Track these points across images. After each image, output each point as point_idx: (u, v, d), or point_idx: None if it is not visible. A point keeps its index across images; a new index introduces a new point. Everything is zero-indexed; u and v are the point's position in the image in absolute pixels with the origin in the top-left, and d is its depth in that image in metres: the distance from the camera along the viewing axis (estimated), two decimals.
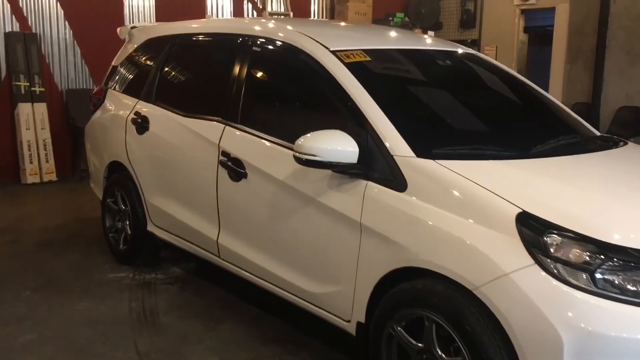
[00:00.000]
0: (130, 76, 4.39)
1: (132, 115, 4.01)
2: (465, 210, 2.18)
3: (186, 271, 4.17)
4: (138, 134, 3.92)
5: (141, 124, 3.91)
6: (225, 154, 3.18)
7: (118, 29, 4.69)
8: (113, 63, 4.68)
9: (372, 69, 2.92)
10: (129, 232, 4.16)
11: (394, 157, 2.42)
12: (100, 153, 4.43)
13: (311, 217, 2.70)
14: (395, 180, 2.39)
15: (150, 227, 3.97)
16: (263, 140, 2.99)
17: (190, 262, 4.18)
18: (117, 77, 4.51)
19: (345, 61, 2.83)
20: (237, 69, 3.29)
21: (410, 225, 2.30)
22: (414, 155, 2.40)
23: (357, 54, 2.89)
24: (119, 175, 4.21)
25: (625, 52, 8.10)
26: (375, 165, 2.47)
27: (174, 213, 3.67)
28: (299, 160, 2.52)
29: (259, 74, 3.31)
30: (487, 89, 3.29)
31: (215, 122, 3.33)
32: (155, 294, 3.82)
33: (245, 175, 3.05)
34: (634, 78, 8.02)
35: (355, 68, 2.78)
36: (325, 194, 2.61)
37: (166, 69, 3.98)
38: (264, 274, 3.04)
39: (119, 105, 4.25)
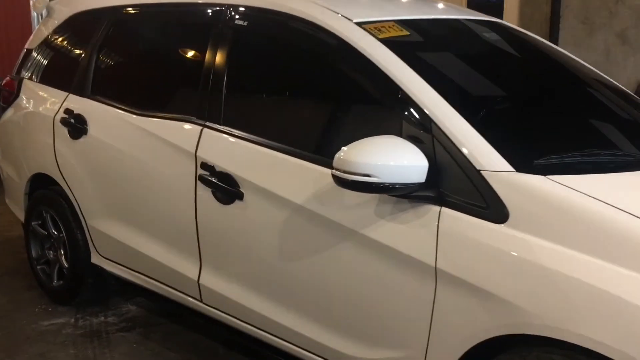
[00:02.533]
0: (53, 63, 3.41)
1: (61, 114, 3.06)
2: (610, 251, 1.50)
3: (145, 309, 3.30)
4: (72, 139, 2.98)
5: (75, 125, 2.97)
6: (206, 166, 2.35)
7: (32, 1, 3.65)
8: (27, 46, 3.66)
9: (418, 48, 2.17)
10: (65, 264, 3.23)
11: (482, 172, 1.70)
12: (19, 163, 3.44)
13: (350, 255, 1.94)
14: (489, 207, 1.67)
15: (95, 259, 3.06)
16: (265, 149, 2.18)
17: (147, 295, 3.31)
18: (34, 63, 3.51)
19: (379, 37, 2.06)
20: (215, 52, 2.44)
21: (522, 273, 1.59)
22: (512, 169, 1.68)
23: (389, 27, 2.13)
24: (47, 192, 3.26)
25: (580, 21, 7.77)
26: (451, 185, 1.74)
27: (130, 242, 2.79)
28: (342, 182, 1.75)
29: (250, 58, 2.47)
30: (567, 75, 2.54)
31: (186, 124, 2.48)
32: (109, 347, 2.93)
33: (239, 196, 2.24)
34: (591, 49, 7.71)
35: (396, 46, 2.02)
36: (373, 225, 1.86)
37: (105, 52, 3.05)
38: (274, 328, 2.26)
39: (41, 101, 3.27)
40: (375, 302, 1.91)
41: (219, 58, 2.43)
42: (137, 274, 2.83)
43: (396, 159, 1.69)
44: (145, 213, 2.68)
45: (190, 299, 2.58)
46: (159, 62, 2.87)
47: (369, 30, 2.08)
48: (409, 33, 2.14)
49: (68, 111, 3.03)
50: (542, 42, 2.60)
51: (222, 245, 2.38)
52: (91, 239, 3.03)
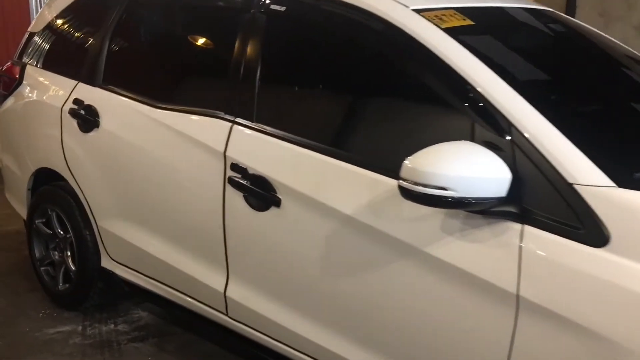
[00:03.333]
0: (60, 48, 3.14)
1: (69, 105, 2.80)
2: None
3: (157, 316, 3.06)
4: (82, 132, 2.73)
5: (86, 117, 2.71)
6: (237, 168, 2.10)
7: None
8: (30, 29, 3.39)
9: (486, 40, 1.92)
10: (72, 267, 2.98)
11: (575, 187, 1.46)
12: (21, 155, 3.18)
13: (409, 275, 1.71)
14: (584, 227, 1.44)
15: (106, 263, 2.82)
16: (309, 152, 1.94)
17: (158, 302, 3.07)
18: (38, 49, 3.24)
19: (442, 26, 1.82)
20: (246, 40, 2.19)
21: (627, 307, 1.36)
22: (612, 184, 1.45)
23: (450, 16, 1.89)
24: (53, 188, 3.00)
25: (598, 13, 7.54)
26: (535, 200, 1.51)
27: (146, 247, 2.55)
28: (410, 194, 1.51)
29: (288, 48, 2.21)
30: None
31: (214, 119, 2.23)
32: (121, 359, 2.71)
33: (276, 203, 2.00)
34: None
35: (462, 38, 1.77)
36: (439, 242, 1.62)
37: (119, 38, 2.78)
38: (311, 349, 2.03)
39: (46, 89, 3.01)
40: (439, 329, 1.68)
41: (252, 47, 2.18)
42: (153, 281, 2.59)
43: (475, 169, 1.46)
44: (165, 216, 2.43)
45: (213, 311, 2.35)
46: (181, 50, 2.60)
47: (430, 19, 1.84)
48: (473, 23, 1.89)
49: (77, 101, 2.77)
50: (608, 38, 2.36)
51: (253, 255, 2.14)
52: (102, 241, 2.79)
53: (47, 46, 3.19)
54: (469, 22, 1.89)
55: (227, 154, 2.14)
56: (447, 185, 1.45)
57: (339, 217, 1.84)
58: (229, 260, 2.22)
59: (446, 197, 1.46)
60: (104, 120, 2.65)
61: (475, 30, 1.88)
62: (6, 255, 3.84)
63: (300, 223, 1.95)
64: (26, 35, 3.40)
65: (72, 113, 2.77)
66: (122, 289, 2.84)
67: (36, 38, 3.27)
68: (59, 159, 2.86)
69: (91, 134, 2.69)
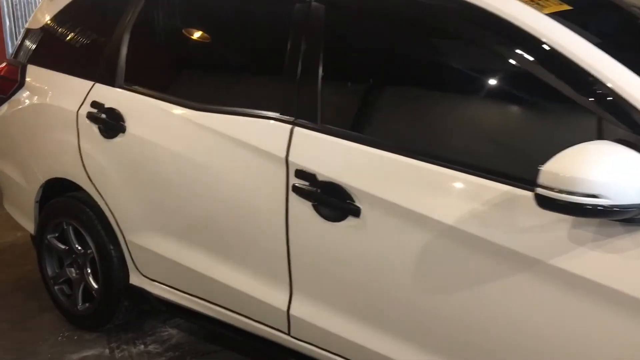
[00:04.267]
0: (68, 45, 2.86)
1: (87, 108, 2.54)
2: None
3: (187, 332, 2.83)
4: (105, 138, 2.47)
5: (108, 121, 2.46)
6: (303, 174, 1.90)
7: None
8: (28, 25, 3.09)
9: (594, 27, 1.75)
10: (94, 285, 2.73)
11: None
12: (26, 165, 2.89)
13: (531, 291, 1.53)
14: None
15: (136, 280, 2.57)
16: (393, 156, 1.74)
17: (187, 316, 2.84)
18: (40, 47, 2.95)
19: (543, 12, 1.64)
20: (305, 32, 1.98)
21: None
22: None
23: (547, 0, 1.72)
24: (69, 200, 2.74)
25: None
26: None
27: (188, 263, 2.32)
28: (552, 203, 1.34)
29: (357, 37, 2.00)
30: None
31: (270, 122, 2.02)
32: None
33: (354, 212, 1.80)
34: None
35: (570, 25, 1.60)
36: (568, 254, 1.46)
37: (143, 31, 2.53)
38: None
39: (56, 92, 2.73)
40: (574, 352, 1.52)
41: (310, 39, 1.96)
42: (194, 298, 2.37)
43: (627, 173, 1.29)
44: (211, 228, 2.21)
45: (272, 330, 2.15)
46: (222, 45, 2.35)
47: (527, 2, 1.66)
48: (571, 7, 1.72)
49: (96, 104, 2.51)
50: None
51: (324, 269, 1.94)
52: (130, 257, 2.54)
53: (51, 44, 2.90)
54: (566, 6, 1.72)
55: (290, 159, 1.93)
56: (598, 192, 1.28)
57: (436, 226, 1.66)
58: (292, 275, 2.02)
59: (597, 206, 1.29)
60: (130, 125, 2.40)
61: (576, 16, 1.71)
62: (6, 272, 3.55)
63: (386, 234, 1.76)
64: (23, 33, 3.11)
65: (91, 117, 2.51)
66: (154, 307, 2.60)
67: (36, 35, 2.98)
68: (77, 168, 2.60)
69: (116, 140, 2.44)
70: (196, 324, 2.47)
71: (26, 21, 6.59)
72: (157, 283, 2.49)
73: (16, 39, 6.65)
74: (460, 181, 1.63)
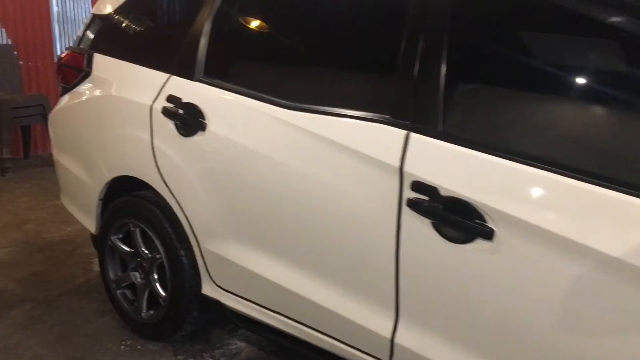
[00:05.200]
0: (140, 34, 2.67)
1: (162, 102, 2.34)
2: None
3: (255, 346, 2.64)
4: (182, 135, 2.27)
5: (186, 118, 2.26)
6: (422, 187, 1.67)
7: None
8: (94, 10, 2.91)
9: None
10: (162, 292, 2.54)
11: None
12: (92, 161, 2.71)
13: None
14: None
15: (209, 290, 2.38)
16: (543, 173, 1.51)
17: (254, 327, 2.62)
18: (108, 34, 2.77)
19: None
20: (422, 15, 1.74)
21: None
22: None
23: None
24: (138, 200, 2.55)
25: None
26: None
27: (272, 276, 2.11)
28: None
29: (490, 27, 1.75)
30: None
31: (380, 125, 1.79)
32: None
33: (485, 234, 1.57)
34: None
35: None
36: None
37: (227, 20, 2.32)
38: None
39: (128, 84, 2.54)
40: None
41: (434, 28, 1.73)
42: (279, 316, 2.16)
43: None
44: (304, 241, 1.99)
45: (369, 357, 1.93)
46: (323, 33, 2.10)
47: None
48: None
49: (173, 99, 2.31)
50: None
51: (440, 295, 1.71)
52: (205, 265, 2.35)
53: (120, 32, 2.72)
54: None
55: (406, 169, 1.71)
56: None
57: (596, 258, 1.42)
58: (400, 299, 1.80)
59: None
60: (212, 122, 2.19)
61: None
62: (58, 269, 3.40)
63: (526, 262, 1.53)
64: (89, 19, 2.92)
65: (167, 113, 2.31)
66: (228, 320, 2.40)
67: (104, 22, 2.79)
68: (148, 166, 2.41)
69: (195, 138, 2.23)
70: (277, 342, 2.26)
71: (75, 25, 6.50)
72: (233, 295, 2.29)
73: (65, 43, 6.55)
74: (634, 207, 1.39)
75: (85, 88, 2.73)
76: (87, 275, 3.33)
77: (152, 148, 2.37)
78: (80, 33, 2.95)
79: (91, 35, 2.84)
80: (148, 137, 2.38)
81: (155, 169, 2.38)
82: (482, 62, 1.74)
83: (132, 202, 2.57)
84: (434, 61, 1.72)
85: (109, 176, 2.61)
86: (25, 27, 6.19)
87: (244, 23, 2.33)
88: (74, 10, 6.61)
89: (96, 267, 3.43)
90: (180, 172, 2.30)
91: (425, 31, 1.74)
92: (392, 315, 1.83)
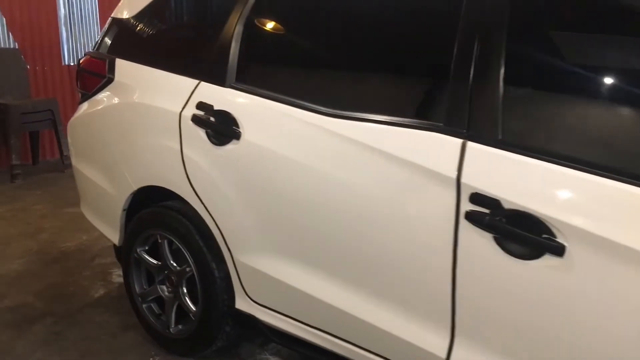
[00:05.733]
0: (165, 38, 2.58)
1: (191, 110, 2.25)
2: None
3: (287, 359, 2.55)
4: (214, 144, 2.18)
5: (219, 126, 2.16)
6: (482, 200, 1.57)
7: None
8: (114, 14, 2.81)
9: None
10: (192, 307, 2.45)
11: None
12: (116, 170, 2.61)
13: None
14: None
15: (243, 305, 2.28)
16: (621, 186, 1.42)
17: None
18: (130, 39, 2.67)
19: None
20: (481, 17, 1.65)
21: None
22: None
23: None
24: (166, 211, 2.45)
25: None
26: None
27: (314, 291, 2.02)
28: None
29: (556, 29, 1.66)
30: None
31: (432, 134, 1.69)
32: None
33: (556, 250, 1.47)
34: None
35: None
36: None
37: (261, 22, 2.23)
38: None
39: (154, 90, 2.44)
40: None
41: (491, 28, 1.63)
42: (321, 333, 2.06)
43: None
44: (349, 255, 1.90)
45: None
46: (365, 35, 1.99)
47: None
48: None
49: (203, 106, 2.22)
50: None
51: (502, 314, 1.62)
52: (239, 279, 2.25)
53: (144, 37, 2.62)
54: None
55: (463, 180, 1.61)
56: None
57: None
58: (457, 317, 1.70)
59: None
60: (247, 131, 2.10)
61: None
62: (76, 280, 3.31)
63: (603, 282, 1.43)
64: (108, 23, 2.83)
65: (198, 120, 2.22)
66: (259, 334, 2.31)
67: (125, 26, 2.70)
68: (178, 176, 2.31)
69: (228, 147, 2.14)
70: (315, 358, 2.16)
71: (83, 28, 6.40)
72: (270, 311, 2.20)
73: (73, 46, 6.46)
74: None
75: (107, 95, 2.63)
76: (107, 287, 3.24)
77: (182, 157, 2.28)
78: (99, 38, 2.85)
79: (111, 40, 2.75)
80: (177, 145, 2.29)
81: (186, 179, 2.29)
82: (545, 64, 1.65)
83: (160, 213, 2.47)
84: (491, 64, 1.62)
85: (135, 186, 2.51)
86: (32, 31, 6.09)
87: (280, 25, 2.23)
88: (81, 12, 6.51)
89: (116, 279, 3.33)
90: (212, 182, 2.20)
91: (481, 32, 1.65)
92: (447, 334, 1.73)
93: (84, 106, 2.79)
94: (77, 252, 3.74)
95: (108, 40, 2.77)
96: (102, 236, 3.86)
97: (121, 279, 3.28)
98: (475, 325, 1.68)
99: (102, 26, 6.19)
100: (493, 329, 1.65)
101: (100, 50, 2.79)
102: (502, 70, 1.61)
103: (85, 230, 4.05)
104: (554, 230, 1.48)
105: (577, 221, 1.44)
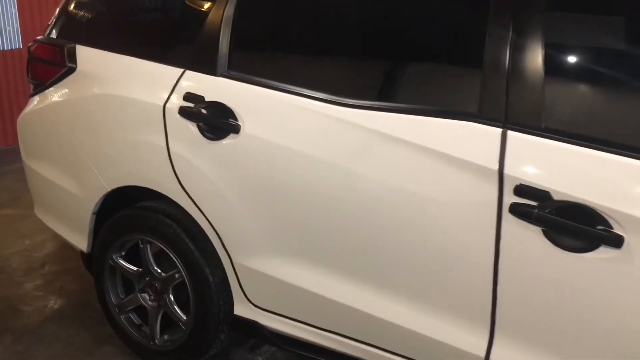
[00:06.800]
0: (140, 20, 2.34)
1: (178, 102, 2.04)
2: None
3: None
4: (208, 139, 1.99)
5: (213, 119, 1.98)
6: (529, 192, 1.50)
7: None
8: None
9: None
10: (183, 316, 2.26)
11: None
12: (83, 170, 2.35)
13: None
14: None
15: (243, 310, 2.12)
16: None
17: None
18: (93, 22, 2.41)
19: None
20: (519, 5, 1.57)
21: None
22: None
23: None
24: (147, 213, 2.23)
25: None
26: None
27: (330, 293, 1.89)
28: None
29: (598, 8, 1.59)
30: None
31: (466, 123, 1.60)
32: None
33: (613, 241, 1.42)
34: None
35: None
36: None
37: (254, 3, 2.04)
38: None
39: (128, 80, 2.20)
40: None
41: (529, 10, 1.55)
42: (338, 337, 1.94)
43: None
44: (375, 254, 1.78)
45: None
46: (384, 13, 1.83)
47: None
48: None
49: (193, 97, 2.02)
50: None
51: (550, 308, 1.55)
52: (239, 283, 2.08)
53: (111, 20, 2.37)
54: None
55: (507, 172, 1.53)
56: None
57: None
58: (497, 314, 1.63)
59: None
60: (247, 123, 1.93)
61: None
62: (27, 291, 3.00)
63: None
64: (63, 4, 2.54)
65: (187, 113, 2.02)
66: (248, 337, 2.16)
67: (86, 8, 2.43)
68: (164, 175, 2.10)
69: (226, 141, 1.96)
70: (271, 343, 2.06)
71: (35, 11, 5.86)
72: (275, 315, 2.05)
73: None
74: None
75: (68, 86, 2.36)
76: (66, 297, 2.96)
77: (169, 154, 2.07)
78: (52, 21, 2.56)
79: (69, 24, 2.47)
80: (162, 141, 2.08)
81: (174, 178, 2.08)
82: (590, 47, 1.58)
83: (140, 216, 2.25)
84: (529, 46, 1.54)
85: (108, 187, 2.27)
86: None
87: (278, 5, 2.05)
88: None
89: (72, 286, 3.05)
90: (207, 180, 2.02)
91: (517, 10, 1.56)
92: (486, 332, 1.66)
93: (38, 99, 2.50)
94: (21, 260, 3.40)
95: (63, 25, 2.49)
96: (47, 240, 3.57)
97: (78, 286, 3.01)
98: (518, 322, 1.61)
99: (19, 6, 5.69)
100: (539, 326, 1.59)
101: (53, 36, 2.50)
102: (541, 56, 1.53)
103: (25, 234, 3.70)
104: (610, 221, 1.42)
105: (636, 211, 1.40)
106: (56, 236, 3.58)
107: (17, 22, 5.71)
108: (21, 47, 5.79)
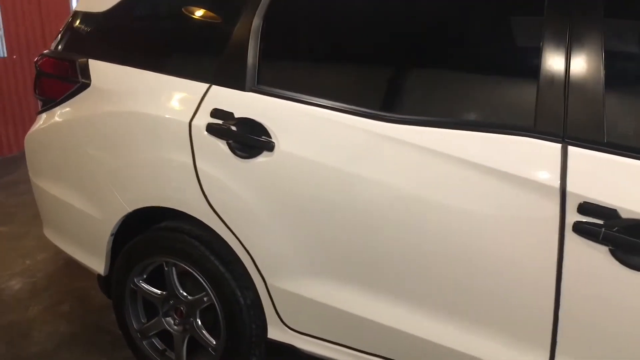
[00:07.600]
0: (159, 33, 2.23)
1: (205, 118, 1.95)
2: None
3: None
4: (240, 157, 1.90)
5: (245, 136, 1.89)
6: (595, 210, 1.45)
7: None
8: (81, 7, 2.42)
9: None
10: (212, 340, 2.17)
11: None
12: (100, 189, 2.24)
13: None
14: None
15: (278, 334, 2.04)
16: None
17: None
18: (107, 35, 2.30)
19: None
20: (572, 8, 1.51)
21: None
22: None
23: None
24: (172, 235, 2.13)
25: None
26: None
27: (378, 318, 1.81)
28: None
29: None
30: None
31: (521, 138, 1.54)
32: None
33: None
34: None
35: None
36: None
37: (287, 11, 1.96)
38: None
39: (149, 96, 2.10)
40: None
41: (586, 20, 1.50)
42: (379, 359, 1.87)
43: None
44: (425, 275, 1.71)
45: None
46: (426, 24, 1.76)
47: None
48: None
49: (221, 114, 1.93)
50: None
51: (617, 330, 1.50)
52: (273, 306, 2.00)
53: (129, 33, 2.26)
54: None
55: (569, 189, 1.47)
56: None
57: None
58: (559, 337, 1.57)
59: None
60: (282, 141, 1.84)
61: None
62: (36, 316, 2.87)
63: None
64: (71, 17, 2.43)
65: (215, 131, 1.93)
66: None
67: (98, 21, 2.32)
68: (191, 195, 2.01)
69: (259, 159, 1.87)
70: None
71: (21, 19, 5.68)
72: (314, 339, 1.97)
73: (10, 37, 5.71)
74: None
75: (83, 103, 2.25)
76: (77, 321, 2.84)
77: (196, 173, 1.98)
78: (60, 35, 2.44)
79: (78, 38, 2.36)
80: (189, 160, 1.98)
81: (202, 198, 1.99)
82: None
83: (165, 237, 2.15)
84: (588, 56, 1.48)
85: (129, 208, 2.17)
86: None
87: (310, 17, 1.97)
88: None
89: (80, 308, 2.94)
90: (239, 200, 1.93)
91: (574, 16, 1.50)
92: (546, 355, 1.60)
93: (47, 116, 2.39)
94: (24, 281, 3.27)
95: (74, 38, 2.38)
96: (48, 259, 3.45)
97: (87, 308, 2.90)
98: (581, 344, 1.55)
99: (4, 14, 5.52)
100: (604, 348, 1.53)
101: (62, 50, 2.39)
102: (602, 68, 1.47)
103: (25, 253, 3.56)
104: None
105: None
106: (57, 255, 3.48)
107: (1, 31, 5.54)
108: (5, 55, 5.62)
